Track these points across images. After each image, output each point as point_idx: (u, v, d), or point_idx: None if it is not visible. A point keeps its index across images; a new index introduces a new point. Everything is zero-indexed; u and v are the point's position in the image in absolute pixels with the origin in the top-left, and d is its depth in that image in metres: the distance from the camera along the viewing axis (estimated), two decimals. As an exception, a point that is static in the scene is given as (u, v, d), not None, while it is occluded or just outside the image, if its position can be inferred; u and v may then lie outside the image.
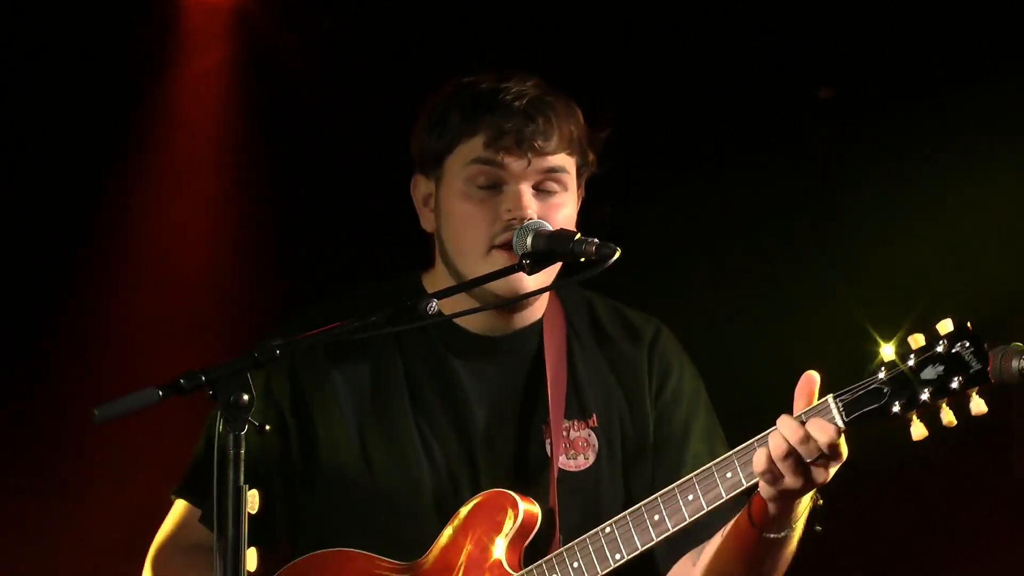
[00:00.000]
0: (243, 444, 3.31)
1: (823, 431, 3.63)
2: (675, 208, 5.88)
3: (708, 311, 5.79)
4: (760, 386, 5.08)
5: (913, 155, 6.87)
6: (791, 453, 3.66)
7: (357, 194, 7.11)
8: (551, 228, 3.88)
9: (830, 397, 3.69)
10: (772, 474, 3.68)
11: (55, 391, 7.79)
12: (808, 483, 3.68)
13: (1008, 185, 6.74)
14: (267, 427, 3.64)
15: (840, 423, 3.67)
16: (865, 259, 6.94)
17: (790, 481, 3.67)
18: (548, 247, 3.83)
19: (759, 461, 3.69)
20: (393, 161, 4.58)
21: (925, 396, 3.62)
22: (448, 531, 4.15)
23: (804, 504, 3.89)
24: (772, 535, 3.91)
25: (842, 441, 3.70)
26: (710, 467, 3.81)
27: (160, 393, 3.30)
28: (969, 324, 3.66)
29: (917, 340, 3.65)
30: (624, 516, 3.88)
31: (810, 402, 3.71)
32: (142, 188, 7.66)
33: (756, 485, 3.77)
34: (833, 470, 3.75)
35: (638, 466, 4.25)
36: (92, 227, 7.70)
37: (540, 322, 4.25)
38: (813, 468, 3.70)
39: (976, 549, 7.36)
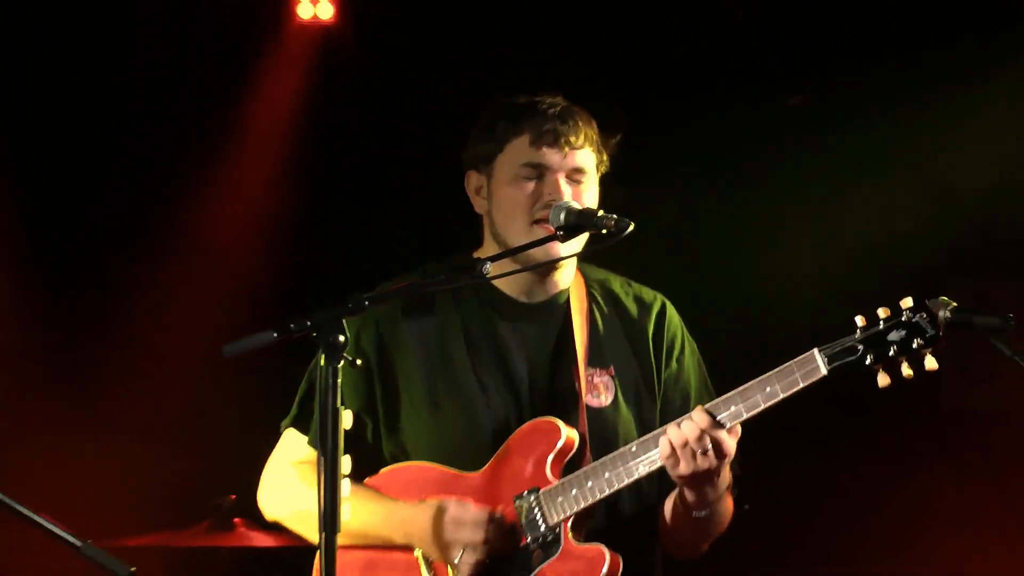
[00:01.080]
0: (339, 375, 3.82)
1: (717, 427, 4.31)
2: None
3: (701, 284, 6.00)
4: (741, 342, 5.73)
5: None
6: (706, 435, 4.31)
7: (407, 193, 7.44)
8: (580, 207, 4.47)
9: (816, 350, 4.23)
10: (685, 454, 4.33)
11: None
12: (698, 469, 4.32)
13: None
14: (358, 361, 3.96)
15: (823, 370, 4.20)
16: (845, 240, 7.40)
17: (687, 463, 4.33)
18: (578, 221, 4.38)
19: (676, 440, 4.34)
20: (446, 170, 5.09)
21: (891, 352, 4.18)
22: (503, 449, 4.66)
23: (718, 491, 4.48)
24: (695, 513, 4.51)
25: (725, 437, 4.33)
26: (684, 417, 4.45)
27: (275, 335, 3.86)
28: (926, 301, 4.20)
29: (885, 311, 4.19)
30: (646, 439, 4.41)
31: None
32: (225, 182, 8.27)
33: None
34: (721, 461, 4.34)
35: (644, 406, 4.75)
36: (194, 214, 8.25)
37: (567, 291, 4.78)
38: (701, 458, 4.32)
39: (910, 470, 7.94)
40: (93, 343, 8.50)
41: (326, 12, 8.17)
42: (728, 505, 4.63)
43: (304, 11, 8.17)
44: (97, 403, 8.18)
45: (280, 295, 7.48)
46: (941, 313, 4.20)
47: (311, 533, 4.73)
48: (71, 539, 4.41)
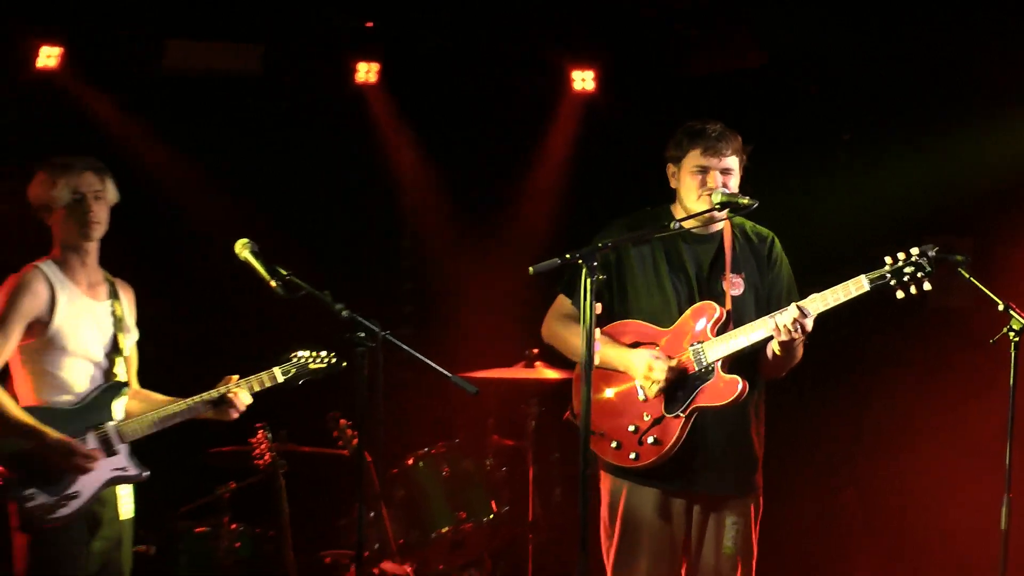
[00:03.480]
0: (594, 276, 5.10)
1: (805, 316, 5.57)
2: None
3: (795, 235, 6.41)
4: (816, 262, 6.37)
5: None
6: (797, 322, 5.58)
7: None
8: (729, 191, 5.86)
9: (863, 275, 5.54)
10: (784, 329, 5.59)
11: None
12: (790, 338, 5.62)
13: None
14: (602, 276, 5.40)
15: (867, 287, 5.49)
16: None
17: (785, 335, 5.61)
18: (729, 201, 5.82)
19: (783, 323, 5.60)
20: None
21: (905, 279, 5.50)
22: (683, 317, 5.92)
23: (797, 348, 5.77)
24: (783, 359, 5.80)
25: (809, 324, 5.61)
26: (784, 308, 5.66)
27: (559, 260, 5.20)
28: (930, 248, 5.48)
29: (903, 254, 5.50)
30: (763, 319, 5.72)
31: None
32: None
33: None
34: (800, 335, 5.61)
35: (759, 296, 5.99)
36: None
37: (722, 230, 6.04)
38: (792, 332, 5.60)
39: (899, 363, 8.78)
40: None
41: (589, 84, 9.74)
42: (799, 353, 5.86)
43: (576, 84, 9.72)
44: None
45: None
46: (931, 252, 5.52)
47: (571, 355, 6.04)
48: (441, 369, 5.65)
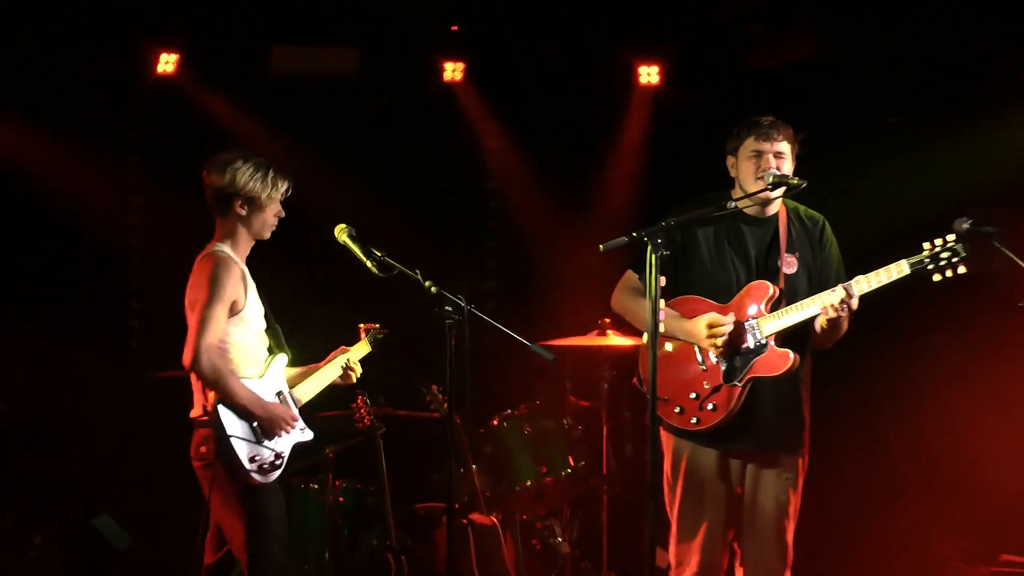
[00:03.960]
0: (658, 252, 5.25)
1: (851, 296, 5.61)
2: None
3: (844, 220, 6.32)
4: (863, 247, 6.21)
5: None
6: (844, 302, 5.64)
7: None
8: (779, 173, 5.88)
9: (904, 260, 5.58)
10: (831, 308, 5.63)
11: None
12: (837, 315, 5.65)
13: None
14: (666, 252, 5.44)
15: (907, 270, 5.53)
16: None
17: (832, 312, 5.64)
18: (780, 180, 5.82)
19: (831, 302, 5.64)
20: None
21: (942, 263, 5.53)
22: (740, 294, 5.93)
23: (843, 324, 5.82)
24: (831, 332, 5.83)
25: (855, 303, 5.64)
26: (832, 288, 5.69)
27: (625, 240, 5.32)
28: (964, 221, 5.51)
29: (941, 241, 5.53)
30: (813, 297, 5.76)
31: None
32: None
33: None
34: (846, 313, 5.65)
35: (812, 276, 5.99)
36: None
37: (777, 213, 6.04)
38: (840, 310, 5.62)
39: (937, 325, 8.49)
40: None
41: (655, 78, 9.67)
42: (844, 328, 5.92)
43: (643, 78, 9.63)
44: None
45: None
46: (965, 225, 5.50)
47: (638, 324, 6.11)
48: (522, 339, 5.75)
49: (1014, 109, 8.38)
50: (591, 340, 8.19)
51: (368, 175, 9.50)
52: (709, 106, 9.15)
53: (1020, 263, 5.79)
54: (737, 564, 6.16)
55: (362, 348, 6.32)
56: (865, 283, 5.68)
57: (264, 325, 6.06)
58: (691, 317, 6.02)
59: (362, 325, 6.30)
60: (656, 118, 9.81)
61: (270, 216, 6.00)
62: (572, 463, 8.04)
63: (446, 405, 6.08)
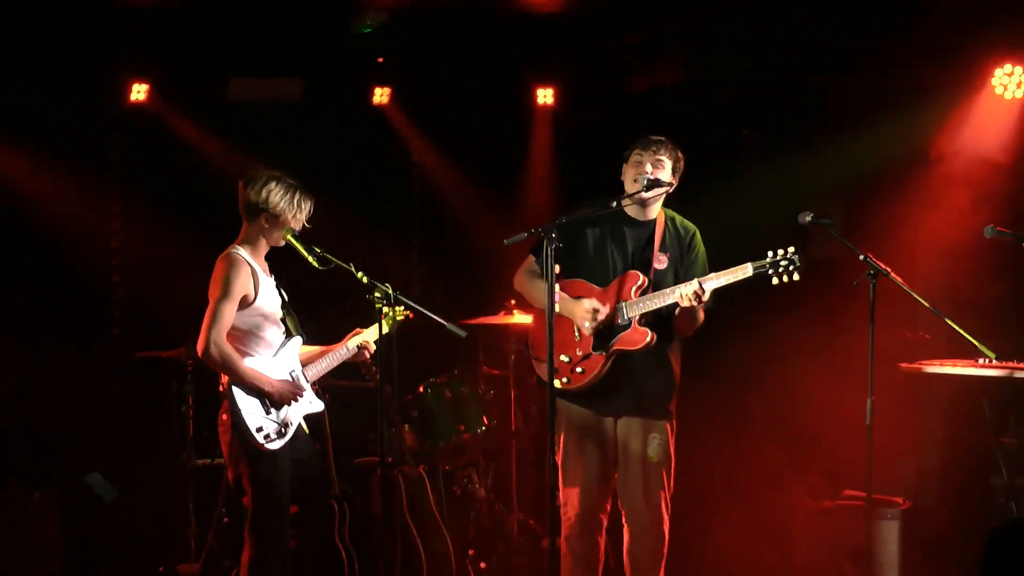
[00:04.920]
0: (553, 245, 5.27)
1: (703, 290, 5.63)
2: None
3: (708, 228, 6.23)
4: (723, 251, 6.07)
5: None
6: (696, 294, 5.66)
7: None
8: (654, 177, 5.86)
9: (749, 264, 5.62)
10: (685, 297, 5.65)
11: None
12: (692, 303, 5.66)
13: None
14: (561, 244, 5.42)
15: (750, 272, 5.55)
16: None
17: (686, 301, 5.66)
18: (652, 183, 5.83)
19: (685, 292, 5.66)
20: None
21: (781, 269, 5.55)
22: (615, 281, 5.93)
23: (698, 312, 5.83)
24: (689, 319, 5.85)
25: (706, 296, 5.65)
26: (687, 282, 5.73)
27: (525, 235, 5.32)
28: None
29: (782, 251, 5.55)
30: (674, 287, 5.77)
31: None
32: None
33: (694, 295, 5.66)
34: (699, 303, 5.65)
35: (678, 277, 5.94)
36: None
37: (655, 220, 6.01)
38: (693, 300, 5.62)
39: (788, 304, 8.02)
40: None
41: (550, 99, 9.57)
42: (700, 317, 5.94)
43: (540, 99, 9.50)
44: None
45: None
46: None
47: (536, 302, 6.04)
48: (440, 319, 5.66)
49: (848, 123, 8.45)
50: (500, 319, 8.15)
51: (314, 185, 9.16)
52: (599, 123, 9.24)
53: (853, 249, 5.85)
54: (623, 521, 6.17)
55: (374, 331, 6.17)
56: (715, 280, 5.71)
57: (280, 313, 6.07)
58: (576, 297, 6.02)
59: (384, 308, 6.03)
60: (555, 133, 9.83)
61: (277, 224, 5.99)
62: (486, 422, 7.99)
63: (379, 376, 6.02)
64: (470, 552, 8.01)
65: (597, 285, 6.05)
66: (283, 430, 5.94)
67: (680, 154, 6.07)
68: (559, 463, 6.02)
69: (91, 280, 9.32)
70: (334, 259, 5.67)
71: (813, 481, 7.90)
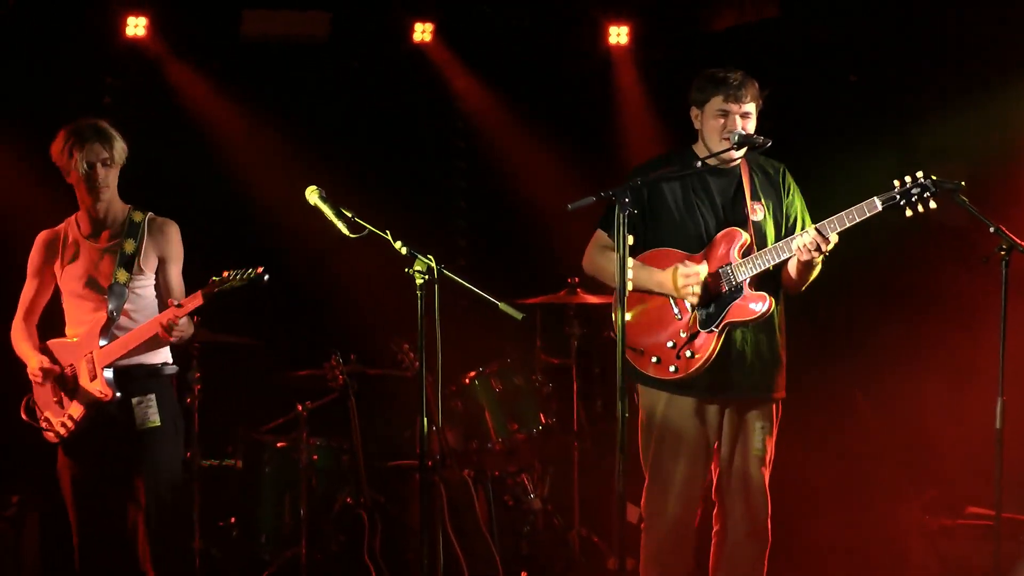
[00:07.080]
0: (626, 211, 5.26)
1: (824, 238, 5.67)
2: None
3: (808, 163, 6.59)
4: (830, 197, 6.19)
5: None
6: (816, 242, 5.69)
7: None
8: (745, 133, 5.91)
9: (876, 198, 5.63)
10: (804, 249, 5.70)
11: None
12: (810, 256, 5.72)
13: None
14: (635, 211, 5.40)
15: (879, 207, 5.57)
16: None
17: (806, 255, 5.72)
18: (744, 140, 5.87)
19: (805, 243, 5.70)
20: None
21: (913, 198, 5.61)
22: (711, 243, 5.99)
23: (814, 266, 5.86)
24: (801, 274, 5.90)
25: (828, 247, 5.70)
26: (804, 231, 5.78)
27: (592, 199, 5.35)
28: (932, 175, 5.61)
29: (910, 178, 5.61)
30: (785, 240, 5.84)
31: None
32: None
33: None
34: (819, 254, 5.71)
35: (777, 220, 6.06)
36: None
37: (739, 164, 6.09)
38: (812, 252, 5.69)
39: (903, 278, 8.58)
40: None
41: (624, 39, 9.67)
42: (816, 270, 5.94)
43: (612, 38, 9.64)
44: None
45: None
46: (932, 178, 5.62)
47: (610, 282, 6.00)
48: (491, 297, 5.67)
49: (980, 77, 8.42)
50: (562, 298, 8.22)
51: (340, 138, 9.43)
52: (677, 65, 8.93)
53: (983, 219, 5.82)
54: (715, 518, 6.16)
55: (194, 300, 6.04)
56: (837, 222, 5.70)
57: (95, 286, 6.16)
58: (661, 268, 6.03)
59: (229, 273, 5.97)
60: (625, 76, 9.75)
61: (81, 182, 6.16)
62: (543, 420, 8.05)
63: (417, 363, 5.96)
64: (523, 574, 7.98)
65: (687, 251, 6.06)
66: (66, 422, 6.17)
67: (762, 92, 6.10)
68: (646, 466, 6.06)
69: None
70: (368, 225, 5.57)
71: (931, 495, 7.88)
